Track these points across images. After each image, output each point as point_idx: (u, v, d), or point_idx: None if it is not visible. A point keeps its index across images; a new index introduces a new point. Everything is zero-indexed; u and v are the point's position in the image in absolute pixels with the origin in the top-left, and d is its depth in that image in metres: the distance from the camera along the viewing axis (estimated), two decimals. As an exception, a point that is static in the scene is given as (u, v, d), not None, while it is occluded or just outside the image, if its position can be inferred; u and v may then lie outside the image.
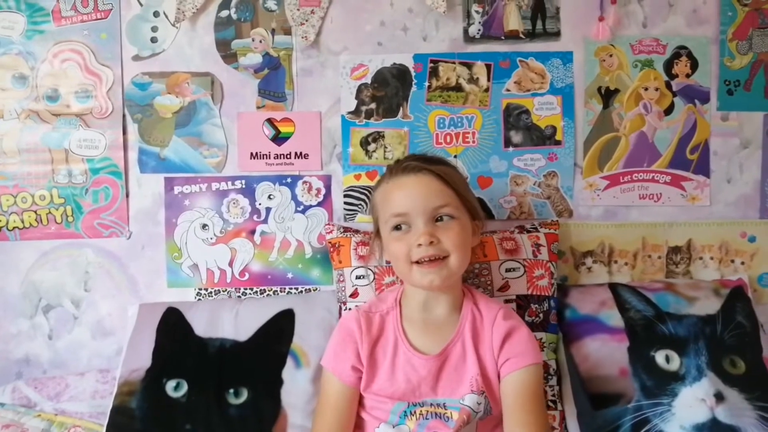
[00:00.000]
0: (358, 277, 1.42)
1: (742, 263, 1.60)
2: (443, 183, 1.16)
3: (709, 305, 1.44)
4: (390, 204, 1.17)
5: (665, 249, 1.60)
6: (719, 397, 1.28)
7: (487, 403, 1.14)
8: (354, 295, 1.41)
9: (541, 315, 1.39)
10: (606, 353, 1.37)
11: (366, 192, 1.58)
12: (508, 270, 1.41)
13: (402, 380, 1.15)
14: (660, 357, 1.35)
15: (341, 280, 1.44)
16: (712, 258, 1.60)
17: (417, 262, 1.13)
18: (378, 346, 1.18)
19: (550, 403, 1.34)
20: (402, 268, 1.17)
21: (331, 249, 1.48)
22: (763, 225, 1.60)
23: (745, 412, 1.28)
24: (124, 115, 1.57)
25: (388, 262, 1.39)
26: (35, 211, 1.57)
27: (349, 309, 1.40)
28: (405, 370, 1.15)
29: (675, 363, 1.34)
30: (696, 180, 1.60)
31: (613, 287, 1.48)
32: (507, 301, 1.38)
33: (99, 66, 1.56)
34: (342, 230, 1.50)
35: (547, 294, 1.41)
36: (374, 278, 1.41)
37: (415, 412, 1.14)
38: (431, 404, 1.14)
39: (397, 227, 1.16)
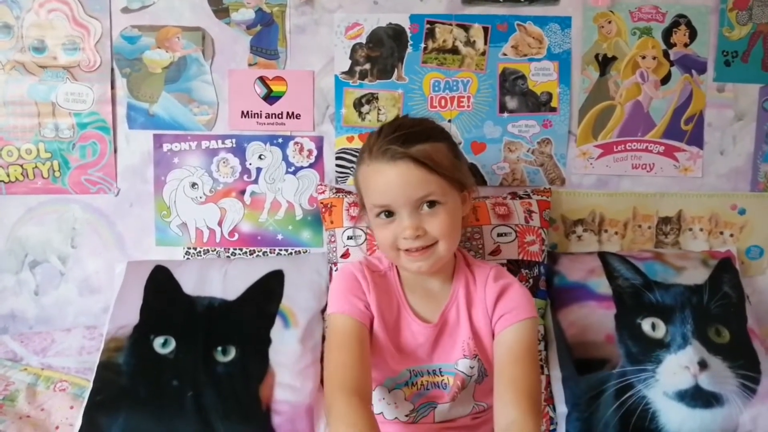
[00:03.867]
0: (349, 238, 1.41)
1: (731, 235, 1.61)
2: (426, 170, 1.06)
3: (696, 275, 1.45)
4: (371, 192, 1.10)
5: (655, 219, 1.60)
6: (703, 364, 1.30)
7: (481, 366, 1.14)
8: (345, 255, 1.41)
9: (530, 280, 1.39)
10: (593, 320, 1.38)
11: (358, 154, 1.56)
12: (499, 235, 1.41)
13: (402, 342, 1.14)
14: (646, 325, 1.36)
15: (332, 240, 1.43)
16: (701, 229, 1.60)
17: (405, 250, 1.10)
18: (383, 302, 1.14)
19: (537, 368, 1.35)
20: (389, 254, 1.13)
21: (323, 209, 1.47)
22: (754, 198, 1.61)
23: (727, 380, 1.30)
24: (112, 69, 1.53)
25: None
26: (21, 165, 1.54)
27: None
28: (405, 335, 1.14)
29: (661, 331, 1.35)
30: (689, 151, 1.59)
31: (602, 255, 1.49)
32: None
33: (87, 18, 1.52)
34: (334, 191, 1.48)
35: (537, 260, 1.41)
36: (366, 239, 1.40)
37: (416, 383, 1.14)
38: (428, 372, 1.14)
39: (382, 213, 1.10)
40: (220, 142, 1.56)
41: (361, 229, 1.41)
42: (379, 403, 1.15)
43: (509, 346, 1.09)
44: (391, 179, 1.06)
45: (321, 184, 1.53)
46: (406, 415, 1.14)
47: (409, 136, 1.08)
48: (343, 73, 1.55)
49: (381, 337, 1.13)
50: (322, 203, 1.48)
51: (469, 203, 1.18)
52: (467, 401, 1.15)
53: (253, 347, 1.33)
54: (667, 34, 1.57)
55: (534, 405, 1.02)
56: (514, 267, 1.38)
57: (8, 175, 1.54)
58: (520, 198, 1.48)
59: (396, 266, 1.19)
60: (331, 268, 1.43)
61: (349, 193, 1.49)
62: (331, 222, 1.44)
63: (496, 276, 1.17)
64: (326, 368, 1.09)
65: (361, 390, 1.01)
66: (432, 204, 1.07)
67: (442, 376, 1.13)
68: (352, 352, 1.06)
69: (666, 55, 1.57)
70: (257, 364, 1.31)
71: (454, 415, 1.14)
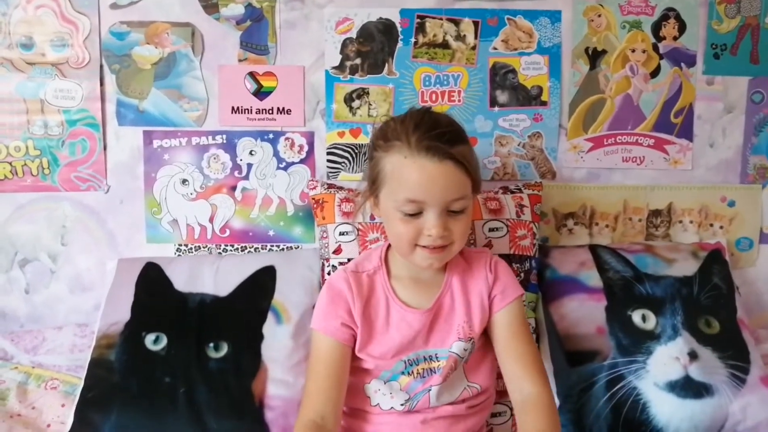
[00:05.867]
0: (341, 234, 1.41)
1: (721, 227, 1.62)
2: (464, 172, 1.06)
3: (687, 267, 1.46)
4: (405, 185, 1.06)
5: (646, 212, 1.61)
6: (693, 355, 1.30)
7: (473, 347, 1.17)
8: (337, 251, 1.41)
9: (522, 274, 1.39)
10: (584, 312, 1.39)
11: (350, 150, 1.56)
12: (491, 229, 1.41)
13: (397, 338, 1.14)
14: (636, 316, 1.37)
15: (324, 236, 1.43)
16: (691, 222, 1.61)
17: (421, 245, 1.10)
18: (369, 307, 1.16)
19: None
20: (403, 248, 1.12)
21: (315, 205, 1.47)
22: (743, 190, 1.62)
23: (717, 370, 1.30)
24: (101, 66, 1.52)
25: (372, 218, 1.38)
26: (10, 163, 1.53)
27: (333, 266, 1.40)
28: (399, 328, 1.14)
29: (651, 322, 1.36)
30: (679, 144, 1.60)
31: (593, 248, 1.50)
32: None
33: (75, 14, 1.51)
34: (326, 187, 1.48)
35: (528, 254, 1.42)
36: (358, 234, 1.40)
37: (412, 371, 1.15)
38: (424, 358, 1.15)
39: (409, 209, 1.07)
40: (210, 138, 1.55)
41: (354, 225, 1.40)
42: (374, 394, 1.16)
43: (507, 325, 1.16)
44: (434, 177, 1.04)
45: (312, 180, 1.53)
46: (402, 404, 1.14)
47: (451, 136, 1.07)
48: (333, 68, 1.55)
49: (371, 339, 1.15)
50: (313, 199, 1.48)
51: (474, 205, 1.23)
52: (459, 381, 1.17)
53: (246, 343, 1.33)
54: (656, 28, 1.57)
55: (544, 375, 1.13)
56: (505, 261, 1.38)
57: (-3, 173, 1.53)
58: (512, 192, 1.48)
59: (385, 262, 1.20)
60: (323, 264, 1.43)
61: (341, 188, 1.48)
62: (323, 218, 1.44)
63: (489, 259, 1.22)
64: (303, 392, 1.16)
65: (322, 420, 1.07)
66: (459, 209, 1.08)
67: (438, 361, 1.15)
68: (321, 380, 1.11)
69: (655, 48, 1.58)
70: (249, 359, 1.31)
71: (447, 399, 1.15)
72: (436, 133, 1.05)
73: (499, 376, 1.19)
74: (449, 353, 1.15)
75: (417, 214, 1.07)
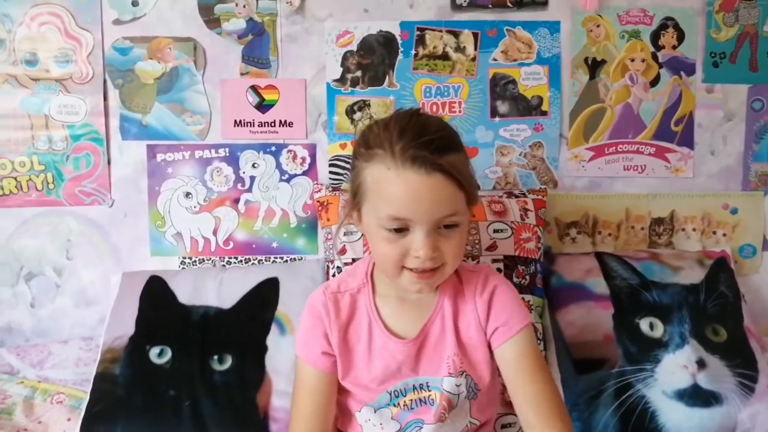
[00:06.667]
0: (346, 234, 1.40)
1: (724, 235, 1.61)
2: (456, 185, 0.93)
3: (693, 275, 1.45)
4: (388, 201, 0.93)
5: (648, 220, 1.61)
6: (701, 363, 1.30)
7: (470, 383, 1.05)
8: (342, 251, 1.40)
9: (527, 277, 1.39)
10: (591, 320, 1.38)
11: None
12: (496, 231, 1.40)
13: (380, 366, 1.04)
14: (644, 324, 1.36)
15: (329, 238, 1.44)
16: (694, 229, 1.61)
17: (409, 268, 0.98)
18: (350, 331, 1.05)
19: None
20: (388, 270, 0.99)
21: (320, 208, 1.48)
22: (745, 197, 1.62)
23: (725, 378, 1.30)
24: (105, 81, 1.54)
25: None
26: (15, 178, 1.54)
27: (338, 267, 1.40)
28: (382, 356, 1.04)
29: (659, 330, 1.35)
30: (680, 152, 1.60)
31: (600, 256, 1.49)
32: (494, 261, 1.37)
33: (79, 30, 1.52)
34: (330, 189, 1.49)
35: (534, 257, 1.41)
36: (362, 234, 1.37)
37: (399, 403, 1.06)
38: (413, 388, 1.06)
39: (393, 227, 0.95)
40: (213, 151, 1.56)
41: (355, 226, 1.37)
42: (365, 424, 1.08)
43: (514, 362, 1.02)
44: (420, 192, 0.91)
45: (317, 183, 1.55)
46: None
47: (440, 143, 0.92)
48: (334, 80, 1.56)
49: (353, 367, 1.06)
50: (318, 201, 1.49)
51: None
52: (462, 418, 1.07)
53: (250, 355, 1.33)
54: (655, 37, 1.58)
55: (563, 421, 0.97)
56: (510, 263, 1.38)
57: (2, 188, 1.53)
58: (516, 197, 1.48)
59: (371, 276, 1.09)
60: (327, 266, 1.43)
61: (346, 190, 1.49)
62: (328, 220, 1.45)
63: (484, 282, 1.06)
64: (290, 418, 1.10)
65: None
66: (451, 224, 0.95)
67: (429, 391, 1.05)
68: (304, 410, 1.05)
69: (655, 57, 1.59)
70: (254, 371, 1.31)
71: None
72: (423, 141, 0.92)
73: (505, 388, 1.10)
74: (442, 390, 1.03)
75: (402, 231, 0.95)
